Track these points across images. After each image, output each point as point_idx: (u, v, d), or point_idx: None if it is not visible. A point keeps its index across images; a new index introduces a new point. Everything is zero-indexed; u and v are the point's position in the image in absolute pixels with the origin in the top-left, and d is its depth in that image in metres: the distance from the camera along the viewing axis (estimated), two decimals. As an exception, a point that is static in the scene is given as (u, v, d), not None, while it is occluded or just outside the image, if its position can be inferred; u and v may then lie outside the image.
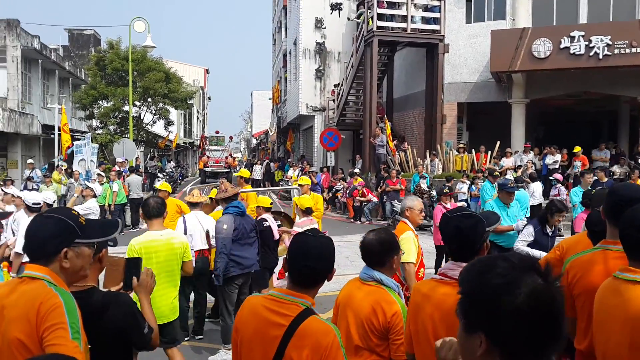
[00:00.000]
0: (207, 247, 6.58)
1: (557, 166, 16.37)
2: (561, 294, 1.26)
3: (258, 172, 29.75)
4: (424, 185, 15.97)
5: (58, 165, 17.98)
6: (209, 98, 77.27)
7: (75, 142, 20.22)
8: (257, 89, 73.16)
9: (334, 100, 24.64)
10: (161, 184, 8.69)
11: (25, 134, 24.08)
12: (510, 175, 12.95)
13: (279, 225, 7.18)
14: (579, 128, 21.18)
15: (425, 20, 19.43)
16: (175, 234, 5.14)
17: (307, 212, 6.84)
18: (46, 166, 20.53)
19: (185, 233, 6.27)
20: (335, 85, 25.31)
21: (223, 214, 6.10)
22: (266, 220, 6.95)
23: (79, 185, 16.63)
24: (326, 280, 2.44)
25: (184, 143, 50.04)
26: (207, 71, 66.76)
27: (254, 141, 70.83)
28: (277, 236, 7.00)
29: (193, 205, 6.83)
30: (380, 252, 2.95)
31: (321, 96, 26.84)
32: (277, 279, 7.00)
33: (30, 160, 19.26)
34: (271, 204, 7.31)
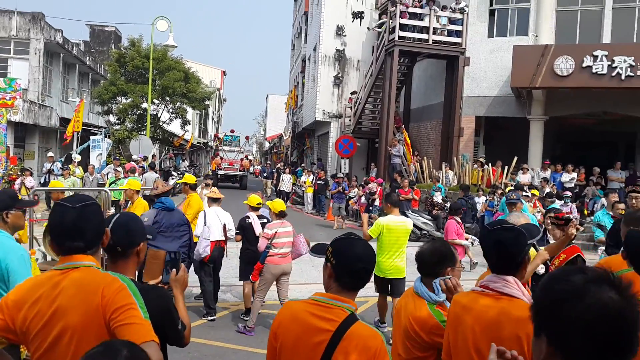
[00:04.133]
0: (223, 238, 7.61)
1: (572, 184, 16.29)
2: (635, 309, 1.23)
3: (287, 182, 25.12)
4: (438, 197, 15.92)
5: (73, 160, 18.15)
6: (225, 99, 77.66)
7: (92, 137, 20.40)
8: (273, 93, 73.43)
9: (350, 107, 24.68)
10: (184, 177, 8.82)
11: (43, 126, 24.33)
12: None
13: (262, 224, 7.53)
14: (595, 148, 21.01)
15: (447, 33, 19.43)
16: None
17: (281, 215, 7.10)
18: (62, 159, 20.73)
19: (204, 225, 7.36)
20: (352, 93, 25.36)
21: (150, 209, 6.90)
22: (249, 218, 7.56)
23: (94, 180, 16.81)
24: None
25: (198, 143, 50.28)
26: (224, 73, 67.10)
27: (267, 144, 71.03)
28: (258, 232, 7.39)
29: (213, 200, 7.75)
30: (432, 263, 2.93)
31: (338, 103, 26.91)
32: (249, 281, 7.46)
33: (50, 154, 19.43)
34: (259, 204, 7.77)
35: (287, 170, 25.60)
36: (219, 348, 6.35)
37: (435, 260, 2.93)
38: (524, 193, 12.39)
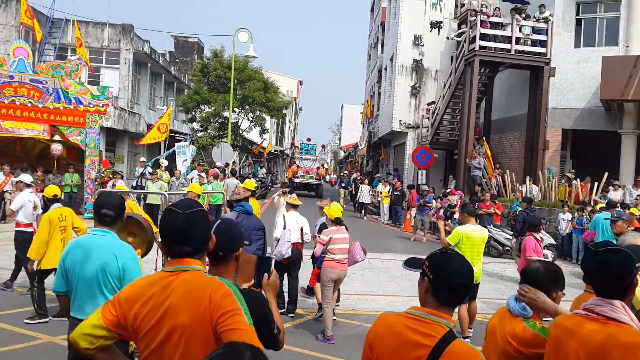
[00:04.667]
0: (300, 241, 8.00)
1: (667, 204, 15.19)
2: None
3: (365, 193, 23.42)
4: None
5: (160, 165, 18.98)
6: (301, 109, 78.89)
7: (177, 144, 21.26)
8: (348, 102, 73.78)
9: (428, 118, 24.35)
10: (189, 186, 9.10)
11: (132, 131, 25.67)
12: None
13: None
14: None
15: (531, 42, 18.80)
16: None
17: (337, 222, 7.31)
18: (150, 163, 21.75)
19: (284, 228, 7.72)
20: (429, 104, 25.02)
21: (231, 211, 7.14)
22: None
23: (180, 184, 17.51)
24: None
25: (275, 151, 51.32)
26: (300, 82, 68.22)
27: (342, 153, 71.40)
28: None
29: (292, 206, 8.27)
30: (546, 283, 2.84)
31: (415, 113, 26.62)
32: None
33: (142, 159, 20.43)
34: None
35: (366, 181, 24.29)
36: (300, 354, 6.41)
37: (549, 280, 2.82)
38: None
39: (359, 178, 26.97)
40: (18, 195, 8.54)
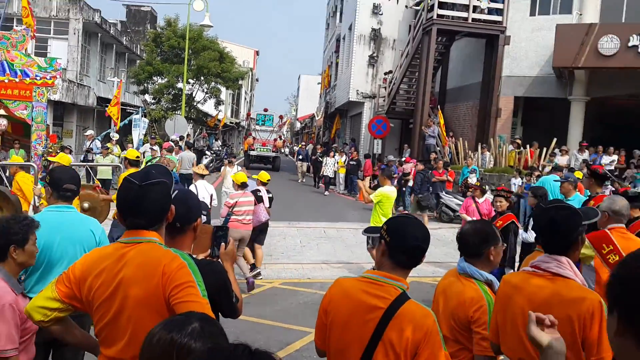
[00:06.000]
0: (210, 207, 8.36)
1: (613, 167, 15.88)
2: None
3: (330, 167, 22.02)
4: (472, 179, 15.71)
5: (111, 139, 18.47)
6: (257, 80, 77.87)
7: (134, 116, 20.65)
8: (305, 73, 73.31)
9: (385, 87, 24.43)
10: (57, 156, 8.89)
11: (81, 105, 24.79)
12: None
13: None
14: (637, 130, 20.37)
15: (488, 11, 18.98)
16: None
17: (242, 186, 7.99)
18: (99, 137, 21.13)
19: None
20: (386, 73, 25.06)
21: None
22: (259, 191, 8.54)
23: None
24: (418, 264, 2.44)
25: (230, 123, 50.65)
26: (257, 53, 67.18)
27: (298, 125, 71.16)
28: (267, 205, 8.59)
29: (200, 175, 8.90)
30: (475, 243, 2.90)
31: (372, 83, 26.65)
32: None
33: (89, 132, 19.76)
34: (268, 180, 8.93)
35: (332, 154, 22.69)
36: (256, 324, 6.46)
37: (479, 240, 2.89)
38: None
39: (320, 151, 25.90)
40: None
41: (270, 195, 8.99)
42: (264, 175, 8.89)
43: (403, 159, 18.84)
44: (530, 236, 6.05)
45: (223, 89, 32.82)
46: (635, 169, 15.38)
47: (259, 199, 8.34)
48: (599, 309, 2.36)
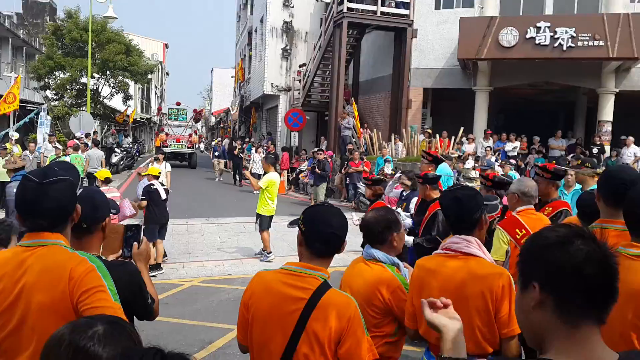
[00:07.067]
0: None
1: (515, 153, 16.89)
2: (614, 259, 1.30)
3: (258, 164, 19.15)
4: (388, 169, 16.14)
5: (10, 138, 17.24)
6: (167, 73, 75.55)
7: (41, 113, 19.36)
8: (218, 66, 72.05)
9: (299, 80, 24.49)
10: (149, 169, 9.24)
11: (-25, 102, 22.95)
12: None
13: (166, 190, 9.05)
14: (537, 118, 21.77)
15: (395, 4, 19.47)
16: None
17: (106, 181, 8.17)
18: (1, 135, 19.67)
19: None
20: (300, 66, 25.13)
21: (11, 181, 7.40)
22: (154, 185, 8.70)
23: (35, 158, 16.13)
24: (337, 253, 2.45)
25: (141, 118, 48.85)
26: (166, 46, 65.14)
27: (213, 119, 69.88)
28: (163, 197, 8.76)
29: (13, 171, 8.22)
30: (378, 231, 2.96)
31: (287, 76, 26.63)
32: None
33: (-16, 132, 18.38)
34: (159, 173, 9.24)
35: (259, 149, 21.21)
36: (175, 324, 6.30)
37: (382, 228, 2.96)
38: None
39: (240, 147, 23.88)
40: None
41: (166, 188, 9.29)
42: (154, 170, 9.05)
43: (316, 149, 18.92)
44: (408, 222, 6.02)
45: (131, 83, 31.55)
46: (536, 154, 16.42)
47: (154, 194, 8.58)
48: (509, 283, 2.49)
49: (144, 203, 8.51)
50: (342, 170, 17.43)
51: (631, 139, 15.82)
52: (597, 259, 1.27)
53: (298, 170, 20.63)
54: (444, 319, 1.51)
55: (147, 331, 5.78)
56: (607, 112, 17.22)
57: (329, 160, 17.35)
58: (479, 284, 2.52)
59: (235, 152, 23.50)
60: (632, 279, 2.25)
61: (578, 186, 6.80)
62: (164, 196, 8.76)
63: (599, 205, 2.93)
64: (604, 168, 11.57)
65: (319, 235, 2.30)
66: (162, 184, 9.12)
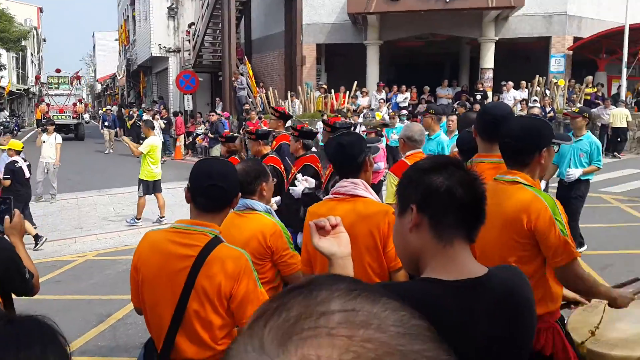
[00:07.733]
0: None
1: (407, 104, 17.52)
2: (483, 184, 1.42)
3: (157, 130, 16.73)
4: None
5: None
6: (44, 40, 69.71)
7: None
8: (100, 30, 67.59)
9: (189, 40, 23.56)
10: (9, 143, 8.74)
11: None
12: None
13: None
14: (425, 69, 22.57)
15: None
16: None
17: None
18: None
19: None
20: (189, 25, 24.13)
21: None
22: (17, 162, 8.40)
23: None
24: (231, 207, 2.40)
25: (17, 90, 45.04)
26: (40, 10, 59.88)
27: (99, 86, 65.93)
28: (27, 175, 8.51)
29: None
30: (248, 181, 2.95)
31: (175, 36, 25.49)
32: None
33: None
34: (22, 147, 8.86)
35: (156, 116, 19.42)
36: (70, 301, 6.03)
37: (251, 178, 2.96)
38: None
39: (137, 116, 22.17)
40: None
41: (28, 164, 8.77)
42: (15, 144, 8.62)
43: (209, 113, 18.49)
44: None
45: (3, 52, 28.85)
46: (425, 104, 17.07)
47: (18, 172, 8.16)
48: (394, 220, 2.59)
49: (7, 182, 8.01)
50: (241, 131, 17.18)
51: (510, 84, 16.90)
52: (466, 182, 1.39)
53: (194, 134, 20.06)
54: (335, 247, 1.54)
55: (39, 311, 5.47)
56: (488, 59, 18.19)
57: (226, 121, 17.05)
58: (367, 223, 2.59)
59: (133, 121, 22.25)
60: (507, 204, 2.41)
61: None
62: (27, 174, 8.49)
63: (477, 141, 3.10)
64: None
65: (201, 190, 2.25)
66: (24, 160, 8.68)
